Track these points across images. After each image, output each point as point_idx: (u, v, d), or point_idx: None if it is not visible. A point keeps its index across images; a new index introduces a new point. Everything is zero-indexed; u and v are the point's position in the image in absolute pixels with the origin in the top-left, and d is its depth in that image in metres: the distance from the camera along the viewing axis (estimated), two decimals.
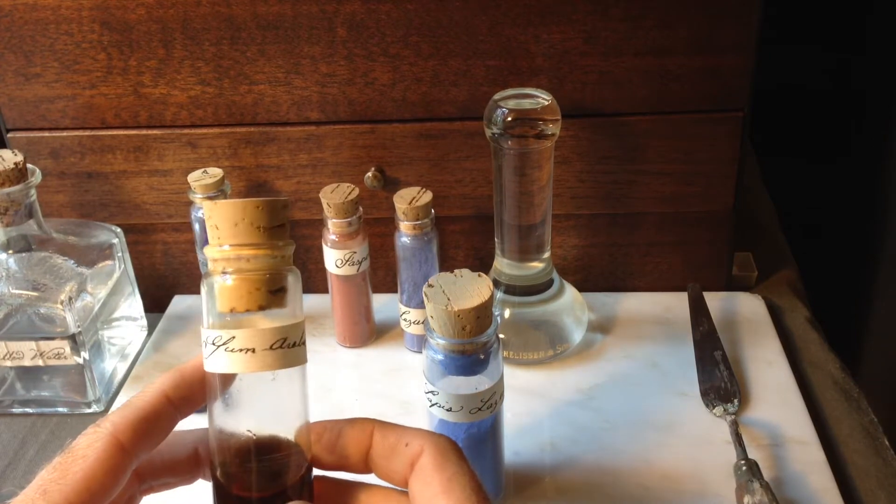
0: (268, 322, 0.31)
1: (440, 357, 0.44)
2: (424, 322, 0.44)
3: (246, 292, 0.31)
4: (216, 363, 0.31)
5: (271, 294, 0.31)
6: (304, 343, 0.32)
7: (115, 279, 0.62)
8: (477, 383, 0.45)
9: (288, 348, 0.31)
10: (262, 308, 0.31)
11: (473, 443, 0.47)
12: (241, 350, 0.30)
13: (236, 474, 0.32)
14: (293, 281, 0.32)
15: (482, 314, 0.43)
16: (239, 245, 0.31)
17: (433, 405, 0.45)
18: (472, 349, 0.44)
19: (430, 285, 0.43)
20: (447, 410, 0.45)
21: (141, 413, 0.31)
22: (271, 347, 0.30)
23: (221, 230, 0.31)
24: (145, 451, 0.31)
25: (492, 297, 0.43)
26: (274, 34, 0.59)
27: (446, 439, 0.31)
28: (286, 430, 0.32)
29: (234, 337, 0.30)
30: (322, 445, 0.32)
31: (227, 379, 0.31)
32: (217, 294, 0.31)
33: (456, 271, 0.44)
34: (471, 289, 0.43)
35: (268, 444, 0.32)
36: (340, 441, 0.32)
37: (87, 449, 0.30)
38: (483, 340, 0.44)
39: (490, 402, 0.45)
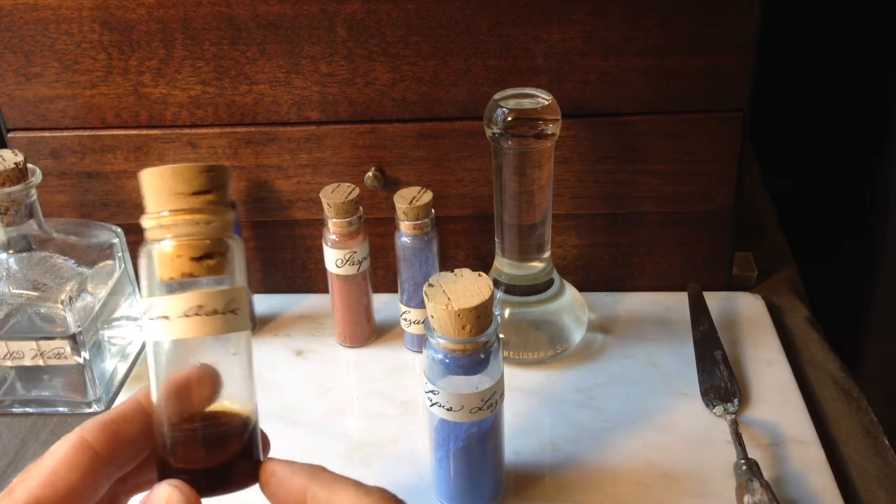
0: (203, 290, 0.30)
1: (440, 356, 0.44)
2: (425, 322, 0.44)
3: (169, 260, 0.30)
4: (145, 332, 0.31)
5: (195, 261, 0.30)
6: (233, 311, 0.30)
7: (115, 279, 0.62)
8: (477, 383, 0.45)
9: (205, 316, 0.30)
10: (185, 275, 0.30)
11: (474, 442, 0.47)
12: (158, 317, 0.30)
13: (181, 447, 0.31)
14: (232, 248, 0.31)
15: (482, 313, 0.43)
16: (162, 213, 0.30)
17: (433, 405, 0.45)
18: (472, 348, 0.44)
19: (430, 285, 0.43)
20: (447, 410, 0.45)
21: (111, 416, 0.32)
22: (185, 315, 0.29)
23: (147, 199, 0.30)
24: (119, 453, 0.32)
25: (492, 296, 0.43)
26: (274, 34, 0.59)
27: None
28: (230, 399, 0.32)
29: (152, 305, 0.30)
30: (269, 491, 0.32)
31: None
32: (151, 263, 0.30)
33: (456, 271, 0.44)
34: (471, 288, 0.43)
35: (212, 414, 0.31)
36: (281, 493, 0.32)
37: (55, 449, 0.31)
38: (483, 340, 0.44)
39: (490, 402, 0.45)
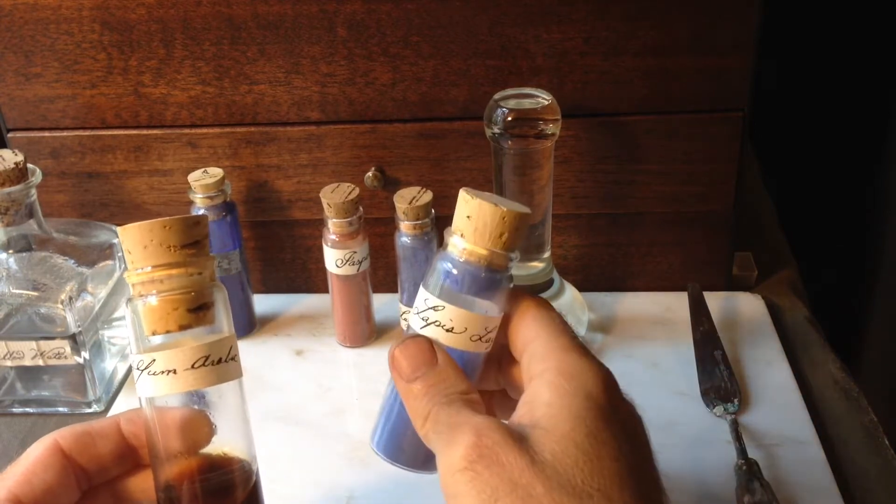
0: (194, 341, 0.31)
1: (461, 270, 0.39)
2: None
3: (165, 314, 0.30)
4: (143, 387, 0.31)
5: (192, 313, 0.30)
6: (233, 358, 0.31)
7: (115, 279, 0.62)
8: (487, 307, 0.40)
9: (212, 366, 0.30)
10: (183, 328, 0.30)
11: None
12: (162, 372, 0.30)
13: (182, 496, 0.31)
14: (217, 297, 0.32)
15: (521, 226, 0.38)
16: (152, 267, 0.30)
17: (429, 324, 0.39)
18: (499, 264, 0.39)
19: (466, 191, 0.38)
20: (447, 331, 0.39)
21: (86, 428, 0.34)
22: (193, 366, 0.30)
23: (133, 254, 0.30)
24: (90, 465, 0.33)
25: (530, 216, 0.39)
26: (274, 34, 0.59)
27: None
28: (229, 446, 0.32)
29: (154, 360, 0.30)
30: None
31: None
32: (138, 318, 0.31)
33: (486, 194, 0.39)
34: (509, 204, 0.38)
35: (212, 463, 0.32)
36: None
37: (31, 451, 0.33)
38: (513, 256, 0.39)
39: (489, 336, 0.40)
